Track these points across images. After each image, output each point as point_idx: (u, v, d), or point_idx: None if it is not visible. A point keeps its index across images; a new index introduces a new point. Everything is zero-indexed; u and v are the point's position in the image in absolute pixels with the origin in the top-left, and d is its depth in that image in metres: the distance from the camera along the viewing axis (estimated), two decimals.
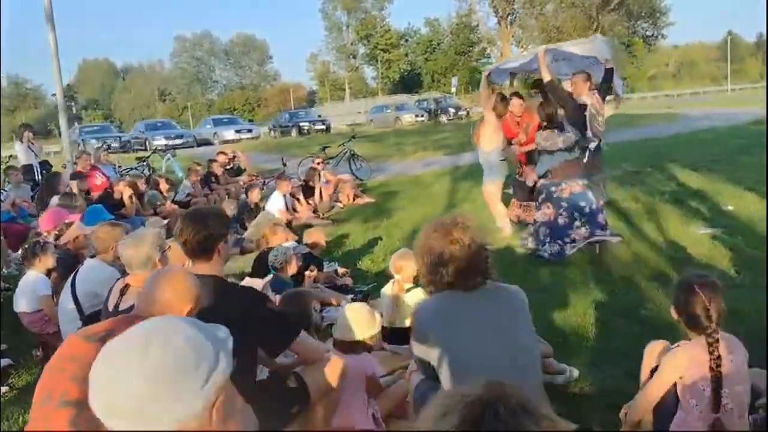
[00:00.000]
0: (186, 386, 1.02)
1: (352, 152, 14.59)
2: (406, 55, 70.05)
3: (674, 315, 2.64)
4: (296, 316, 3.78)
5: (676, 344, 2.69)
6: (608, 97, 6.97)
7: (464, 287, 2.52)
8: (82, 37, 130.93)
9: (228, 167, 14.14)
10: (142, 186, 9.23)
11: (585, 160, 6.61)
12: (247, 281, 4.45)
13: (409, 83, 66.13)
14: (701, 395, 2.49)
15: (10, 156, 11.79)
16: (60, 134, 10.85)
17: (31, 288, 4.47)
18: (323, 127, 31.30)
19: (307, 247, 6.05)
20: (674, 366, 2.55)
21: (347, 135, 29.90)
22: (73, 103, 60.46)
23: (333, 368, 2.95)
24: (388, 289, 4.69)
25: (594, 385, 3.83)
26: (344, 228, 9.05)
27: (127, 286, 3.24)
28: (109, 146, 13.60)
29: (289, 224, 9.19)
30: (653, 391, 2.62)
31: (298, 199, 10.05)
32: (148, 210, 9.13)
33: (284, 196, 9.58)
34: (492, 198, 7.88)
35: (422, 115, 35.81)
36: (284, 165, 14.32)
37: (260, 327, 2.77)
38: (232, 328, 2.68)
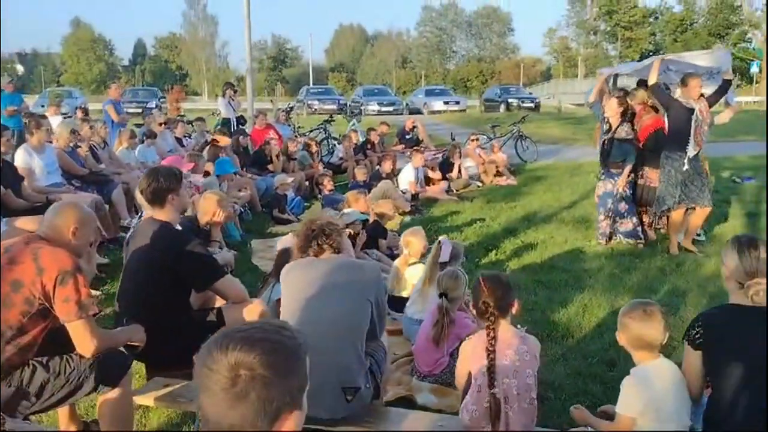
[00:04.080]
0: None
1: (520, 133, 14.61)
2: (653, 34, 64.95)
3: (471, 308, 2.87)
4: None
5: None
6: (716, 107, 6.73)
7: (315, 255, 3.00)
8: (339, 4, 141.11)
9: (407, 137, 15.08)
10: (294, 147, 10.40)
11: (685, 168, 6.45)
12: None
13: None
14: (475, 381, 2.71)
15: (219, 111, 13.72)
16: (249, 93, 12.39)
17: None
18: (532, 105, 30.82)
19: (376, 217, 6.61)
20: (463, 354, 2.80)
21: (556, 115, 29.37)
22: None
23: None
24: (396, 261, 5.14)
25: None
26: (462, 206, 9.40)
27: None
28: (291, 108, 15.18)
29: (415, 196, 9.82)
30: (457, 376, 2.93)
31: (432, 173, 10.56)
32: (297, 168, 10.29)
33: (416, 169, 10.14)
34: None
35: None
36: (453, 140, 14.80)
37: (189, 265, 3.46)
38: (168, 263, 3.43)
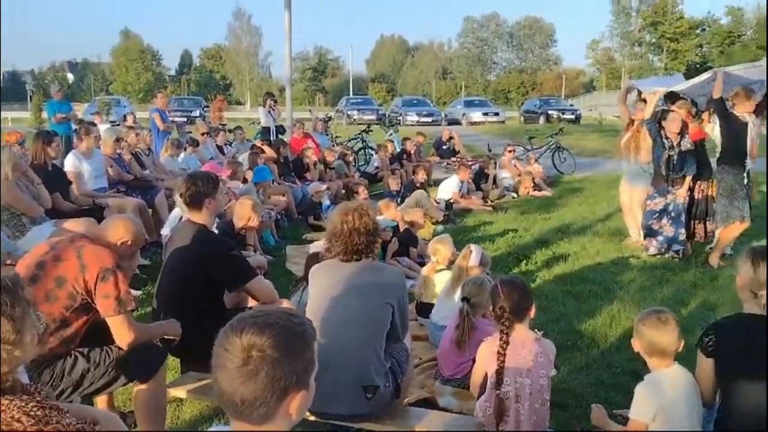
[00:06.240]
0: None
1: (558, 145, 14.58)
2: (700, 46, 63.80)
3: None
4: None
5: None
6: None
7: (341, 258, 3.11)
8: (380, 16, 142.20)
9: (444, 147, 15.25)
10: (331, 156, 10.61)
11: (746, 181, 6.54)
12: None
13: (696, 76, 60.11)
14: (490, 381, 2.83)
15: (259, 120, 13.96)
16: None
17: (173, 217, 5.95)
18: (572, 117, 30.62)
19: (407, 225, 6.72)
20: (480, 355, 2.90)
21: (597, 128, 29.02)
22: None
23: None
24: (424, 269, 5.24)
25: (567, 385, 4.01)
26: (496, 216, 9.44)
27: None
28: (329, 118, 15.42)
29: (449, 206, 9.89)
30: (472, 377, 3.01)
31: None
32: (334, 177, 10.49)
33: (462, 182, 10.17)
34: (636, 205, 7.69)
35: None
36: (489, 151, 14.87)
37: (222, 266, 3.64)
38: (203, 264, 3.60)
